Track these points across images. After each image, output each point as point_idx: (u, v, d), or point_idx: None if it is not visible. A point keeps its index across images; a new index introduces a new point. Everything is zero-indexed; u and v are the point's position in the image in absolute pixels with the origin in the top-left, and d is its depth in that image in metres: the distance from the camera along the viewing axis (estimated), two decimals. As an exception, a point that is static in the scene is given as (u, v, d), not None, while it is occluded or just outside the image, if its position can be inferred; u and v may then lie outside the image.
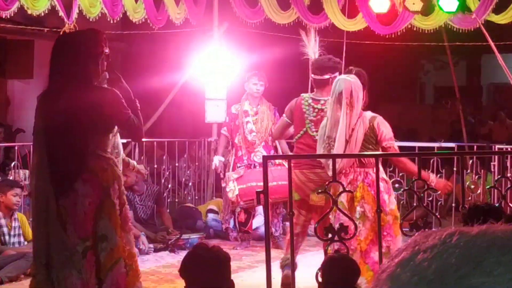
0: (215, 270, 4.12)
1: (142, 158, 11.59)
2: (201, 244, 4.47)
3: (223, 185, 10.45)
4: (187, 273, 4.15)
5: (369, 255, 6.41)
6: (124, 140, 11.68)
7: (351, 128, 6.61)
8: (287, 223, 9.10)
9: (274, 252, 7.48)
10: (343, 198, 6.24)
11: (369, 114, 6.81)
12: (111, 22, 10.83)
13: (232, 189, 9.53)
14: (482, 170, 11.50)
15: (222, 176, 10.51)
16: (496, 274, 0.84)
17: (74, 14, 10.26)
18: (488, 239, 0.88)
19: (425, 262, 0.88)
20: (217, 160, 10.43)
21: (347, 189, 6.00)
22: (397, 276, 0.89)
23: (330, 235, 5.34)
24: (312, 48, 8.85)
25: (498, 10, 10.82)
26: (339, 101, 6.59)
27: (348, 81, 6.65)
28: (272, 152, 9.95)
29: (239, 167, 9.85)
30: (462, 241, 0.89)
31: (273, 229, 9.75)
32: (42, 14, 10.20)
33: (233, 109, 10.22)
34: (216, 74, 11.70)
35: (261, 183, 7.92)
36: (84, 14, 10.39)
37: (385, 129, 6.75)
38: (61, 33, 10.47)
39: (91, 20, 10.57)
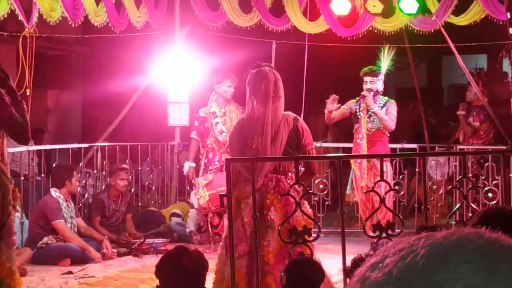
0: (191, 275, 4.11)
1: (104, 162, 11.52)
2: (182, 247, 4.44)
3: (194, 191, 10.45)
4: (163, 274, 4.14)
5: (275, 271, 5.88)
6: (86, 145, 11.67)
7: (277, 126, 6.10)
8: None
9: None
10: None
11: (290, 113, 6.25)
12: (72, 25, 10.76)
13: (203, 195, 9.53)
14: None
15: (193, 182, 10.51)
16: (460, 271, 0.86)
17: (34, 18, 10.18)
18: (454, 239, 0.91)
19: (393, 263, 0.90)
20: (187, 166, 10.42)
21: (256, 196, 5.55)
22: (366, 277, 0.92)
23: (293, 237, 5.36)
24: (385, 64, 9.78)
25: (458, 11, 10.90)
26: (265, 93, 6.07)
27: (271, 71, 6.21)
28: None
29: (211, 170, 9.85)
30: (428, 243, 0.91)
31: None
32: (2, 18, 10.10)
33: (201, 112, 10.23)
34: (178, 77, 11.68)
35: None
36: (44, 18, 10.31)
37: (308, 131, 6.26)
38: (21, 37, 10.38)
39: (51, 24, 10.49)
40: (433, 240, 0.92)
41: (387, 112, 9.73)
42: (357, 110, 9.81)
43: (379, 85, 9.76)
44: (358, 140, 9.73)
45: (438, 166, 11.48)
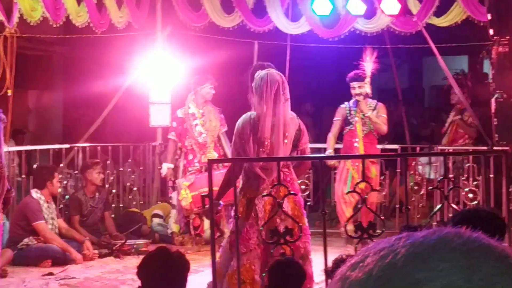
0: (172, 275, 4.11)
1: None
2: (164, 248, 4.43)
3: (172, 194, 10.44)
4: (144, 274, 4.14)
5: None
6: (67, 145, 11.63)
7: (288, 126, 6.30)
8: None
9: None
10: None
11: (292, 113, 6.45)
12: (53, 26, 10.71)
13: (185, 197, 9.50)
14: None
15: (171, 183, 10.50)
16: (440, 270, 0.87)
17: (15, 18, 10.13)
18: (435, 239, 0.91)
19: (373, 262, 0.91)
20: (165, 167, 10.40)
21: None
22: (347, 277, 0.92)
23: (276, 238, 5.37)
24: (369, 66, 9.79)
25: (439, 13, 10.95)
26: (276, 95, 6.20)
27: (278, 73, 6.35)
28: (222, 153, 10.00)
29: (191, 171, 9.84)
30: (409, 242, 0.92)
31: (226, 231, 9.81)
32: (-18, 19, 10.06)
33: (179, 113, 10.21)
34: (160, 78, 11.66)
35: (214, 187, 7.93)
36: (25, 18, 10.27)
37: (306, 131, 6.52)
38: (1, 37, 10.33)
39: (32, 24, 10.45)
40: (413, 240, 0.92)
41: (378, 116, 9.87)
42: (348, 114, 9.93)
43: (367, 88, 9.86)
44: (356, 144, 9.80)
45: (433, 167, 11.48)
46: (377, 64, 9.91)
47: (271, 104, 6.16)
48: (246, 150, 6.13)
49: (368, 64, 9.83)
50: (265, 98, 6.16)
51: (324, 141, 11.92)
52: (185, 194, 9.51)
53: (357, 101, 9.83)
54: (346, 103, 10.01)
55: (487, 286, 0.86)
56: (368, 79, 9.86)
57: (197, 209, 9.44)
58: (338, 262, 4.26)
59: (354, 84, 9.80)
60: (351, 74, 9.83)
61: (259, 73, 6.26)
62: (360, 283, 0.90)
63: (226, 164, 9.52)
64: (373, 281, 0.89)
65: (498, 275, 0.87)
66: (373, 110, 9.90)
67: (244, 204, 6.04)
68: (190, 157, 10.00)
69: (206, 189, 8.89)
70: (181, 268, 4.16)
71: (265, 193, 5.88)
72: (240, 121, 6.23)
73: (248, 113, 6.30)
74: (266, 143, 6.19)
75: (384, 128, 9.93)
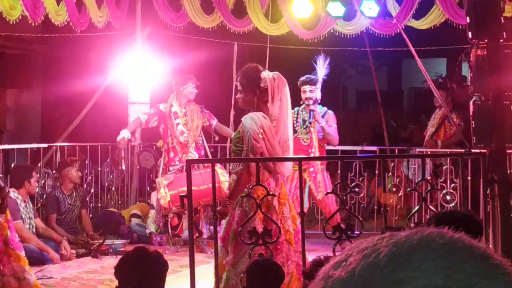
0: (150, 275, 4.10)
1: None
2: (141, 248, 4.42)
3: (158, 195, 10.43)
4: (122, 274, 4.13)
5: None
6: (46, 145, 11.58)
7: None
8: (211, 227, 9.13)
9: (198, 257, 7.49)
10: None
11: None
12: (33, 24, 10.66)
13: (164, 195, 9.47)
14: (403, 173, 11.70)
15: (122, 155, 10.63)
16: (422, 269, 0.88)
17: (-6, 16, 10.08)
18: (417, 239, 0.92)
19: (356, 261, 0.92)
20: (122, 134, 10.15)
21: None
22: (329, 276, 0.93)
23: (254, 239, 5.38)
24: (321, 71, 9.54)
25: (418, 15, 11.01)
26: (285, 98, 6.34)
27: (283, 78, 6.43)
28: (202, 153, 9.99)
29: (171, 170, 9.82)
30: (392, 242, 0.93)
31: (205, 231, 9.82)
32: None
33: (162, 107, 10.15)
34: (139, 78, 11.64)
35: (194, 187, 7.93)
36: (4, 16, 10.21)
37: None
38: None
39: (11, 22, 10.40)
40: (396, 240, 0.93)
41: (328, 126, 9.56)
42: (295, 120, 9.47)
43: (318, 93, 9.53)
44: (312, 155, 9.47)
45: (411, 168, 11.53)
46: (329, 70, 9.68)
47: (286, 103, 6.24)
48: (276, 149, 6.14)
49: (321, 69, 9.57)
50: (282, 98, 6.21)
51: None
52: (163, 193, 9.49)
53: (311, 111, 9.44)
54: (297, 108, 9.61)
55: (468, 286, 0.87)
56: (319, 84, 9.53)
57: (175, 208, 9.42)
58: (317, 263, 4.27)
59: (306, 87, 9.44)
60: (303, 77, 9.48)
61: (269, 74, 6.26)
62: (342, 282, 0.91)
63: (206, 164, 9.53)
64: (355, 280, 0.90)
65: (479, 275, 0.88)
66: (322, 117, 9.56)
67: (254, 205, 5.93)
68: (172, 155, 9.97)
69: (185, 188, 8.92)
70: (160, 268, 4.15)
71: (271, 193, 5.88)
72: (251, 124, 6.12)
73: (256, 115, 6.22)
74: (287, 142, 6.27)
75: (335, 140, 9.66)
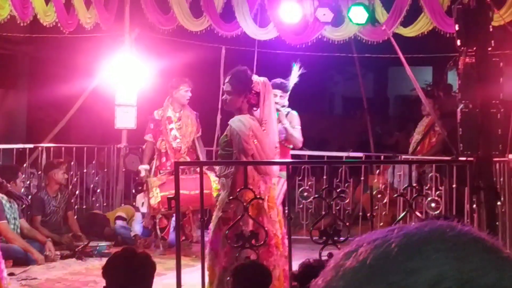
0: (138, 276, 4.10)
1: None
2: (129, 248, 4.43)
3: (139, 194, 10.42)
4: (109, 274, 4.12)
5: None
6: (31, 145, 11.54)
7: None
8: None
9: (184, 260, 7.46)
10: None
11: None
12: (21, 25, 10.64)
13: (155, 195, 9.45)
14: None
15: (135, 186, 10.52)
16: (433, 259, 0.90)
17: (-18, 16, 10.05)
18: (428, 230, 0.94)
19: (367, 251, 0.93)
20: (143, 169, 10.25)
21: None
22: (341, 265, 0.95)
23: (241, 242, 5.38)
24: (293, 80, 9.07)
25: (405, 23, 11.05)
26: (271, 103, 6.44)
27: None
28: (195, 158, 9.97)
29: (162, 173, 9.79)
30: (402, 233, 0.94)
31: (195, 235, 9.82)
32: None
33: (156, 115, 10.14)
34: (126, 80, 11.62)
35: (185, 191, 7.94)
36: (-8, 16, 10.19)
37: None
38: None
39: (-1, 22, 10.37)
40: (406, 231, 0.95)
41: (291, 127, 9.00)
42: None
43: (286, 101, 9.15)
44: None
45: (397, 175, 11.55)
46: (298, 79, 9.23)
47: (272, 111, 6.33)
48: (266, 150, 6.13)
49: (294, 77, 9.15)
50: (270, 103, 6.28)
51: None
52: (155, 193, 9.46)
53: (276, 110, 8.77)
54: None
55: (477, 276, 0.89)
56: (288, 92, 9.15)
57: (164, 209, 9.40)
58: (306, 266, 4.28)
59: (277, 91, 8.83)
60: (277, 81, 8.96)
61: (260, 79, 6.32)
62: (353, 271, 0.93)
63: (195, 167, 9.50)
64: (366, 269, 0.92)
65: (489, 267, 0.90)
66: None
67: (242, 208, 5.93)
68: (164, 159, 9.95)
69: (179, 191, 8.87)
70: (147, 268, 4.15)
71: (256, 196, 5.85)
72: (240, 126, 6.13)
73: (244, 117, 6.24)
74: (276, 146, 6.31)
75: (299, 142, 9.11)
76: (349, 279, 0.93)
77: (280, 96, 8.91)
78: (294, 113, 9.16)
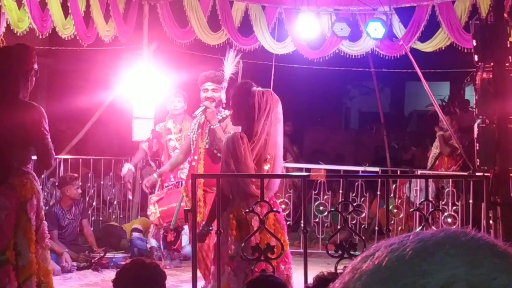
0: (148, 286, 4.11)
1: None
2: (139, 259, 4.46)
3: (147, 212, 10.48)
4: (120, 286, 4.14)
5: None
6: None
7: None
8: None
9: (199, 272, 7.48)
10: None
11: None
12: (40, 37, 10.71)
13: (154, 212, 9.44)
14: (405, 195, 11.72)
15: (129, 185, 10.66)
16: (446, 263, 0.94)
17: (2, 28, 10.12)
18: (442, 236, 0.99)
19: (383, 255, 0.98)
20: (126, 167, 10.42)
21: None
22: (357, 268, 1.00)
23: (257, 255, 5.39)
24: (229, 69, 8.00)
25: (423, 38, 11.07)
26: (275, 116, 6.26)
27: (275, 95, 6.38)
28: None
29: (167, 186, 9.80)
30: (418, 238, 0.99)
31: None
32: (-32, 28, 10.04)
33: (157, 127, 10.23)
34: (144, 93, 11.68)
35: (182, 204, 7.95)
36: (11, 28, 10.26)
37: None
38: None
39: (18, 34, 10.44)
40: (422, 236, 0.99)
41: (226, 131, 7.54)
42: (195, 127, 7.91)
43: (223, 95, 7.89)
44: (194, 163, 7.77)
45: (421, 191, 11.52)
46: (238, 67, 8.47)
47: (270, 122, 6.17)
48: (242, 170, 6.07)
49: (229, 66, 8.02)
50: (268, 114, 6.16)
51: (303, 161, 12.00)
52: (153, 209, 9.45)
53: (204, 106, 7.74)
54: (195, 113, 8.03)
55: (489, 279, 0.93)
56: (225, 84, 7.89)
57: (166, 224, 9.40)
58: (320, 279, 4.29)
59: (207, 85, 7.82)
60: (207, 73, 7.94)
61: (263, 90, 6.26)
62: (370, 272, 0.97)
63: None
64: (382, 271, 0.96)
65: (499, 271, 0.94)
66: (221, 121, 7.73)
67: (236, 227, 5.99)
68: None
69: (175, 204, 8.86)
70: (158, 278, 4.17)
71: (248, 210, 5.84)
72: (229, 142, 6.14)
73: (234, 133, 6.26)
74: (268, 157, 6.18)
75: None
76: (365, 281, 0.97)
77: (212, 90, 7.79)
78: None
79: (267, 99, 6.14)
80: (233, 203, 6.00)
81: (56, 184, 11.14)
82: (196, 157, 7.73)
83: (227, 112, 7.60)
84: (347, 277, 1.00)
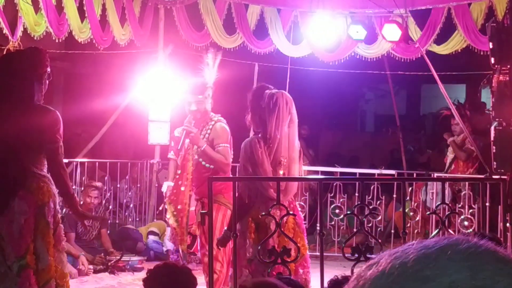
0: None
1: (83, 178, 11.50)
2: (171, 262, 4.47)
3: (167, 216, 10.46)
4: (151, 285, 4.16)
5: None
6: (66, 160, 11.63)
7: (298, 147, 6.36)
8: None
9: (204, 279, 7.48)
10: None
11: None
12: (56, 41, 10.76)
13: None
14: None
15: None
16: (448, 268, 0.96)
17: (19, 32, 10.17)
18: (444, 243, 1.00)
19: (386, 262, 1.00)
20: (165, 186, 10.30)
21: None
22: (361, 276, 1.03)
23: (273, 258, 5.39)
24: (212, 74, 7.59)
25: (439, 41, 11.03)
26: (288, 118, 6.22)
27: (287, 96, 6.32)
28: None
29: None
30: (421, 245, 1.01)
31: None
32: (-14, 31, 10.10)
33: (176, 132, 10.20)
34: (160, 96, 11.70)
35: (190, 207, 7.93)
36: (28, 32, 10.31)
37: None
38: (5, 50, 10.38)
39: (35, 38, 10.49)
40: (425, 244, 1.02)
41: (215, 145, 7.19)
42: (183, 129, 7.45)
43: (208, 104, 7.35)
44: (182, 188, 7.65)
45: (437, 195, 11.48)
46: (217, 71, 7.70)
47: (284, 124, 6.14)
48: (260, 174, 6.07)
49: (211, 70, 7.54)
50: (282, 116, 6.12)
51: (319, 165, 11.98)
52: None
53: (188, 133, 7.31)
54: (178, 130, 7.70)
55: (491, 284, 0.94)
56: (210, 92, 7.38)
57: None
58: (334, 283, 4.29)
59: (190, 98, 7.31)
60: (188, 85, 7.48)
61: (273, 92, 6.23)
62: (373, 280, 1.00)
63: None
64: (385, 277, 0.98)
65: (502, 275, 0.96)
66: (208, 135, 7.31)
67: (254, 230, 6.00)
68: (179, 171, 9.96)
69: (193, 208, 8.83)
70: (189, 283, 4.18)
71: (264, 213, 5.83)
72: (246, 147, 6.13)
73: (251, 138, 6.26)
74: (284, 161, 6.16)
75: (224, 166, 7.22)
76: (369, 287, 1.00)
77: (196, 103, 7.25)
78: (222, 126, 7.34)
79: (276, 99, 6.11)
80: (252, 206, 6.01)
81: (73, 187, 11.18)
82: (186, 182, 7.69)
83: (218, 116, 7.41)
84: (352, 284, 1.03)
